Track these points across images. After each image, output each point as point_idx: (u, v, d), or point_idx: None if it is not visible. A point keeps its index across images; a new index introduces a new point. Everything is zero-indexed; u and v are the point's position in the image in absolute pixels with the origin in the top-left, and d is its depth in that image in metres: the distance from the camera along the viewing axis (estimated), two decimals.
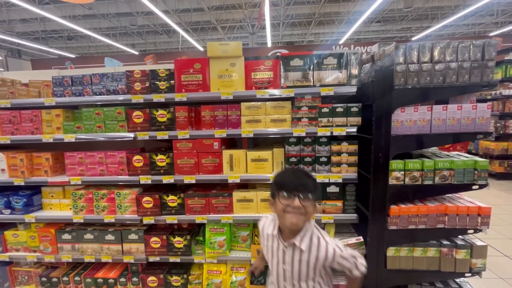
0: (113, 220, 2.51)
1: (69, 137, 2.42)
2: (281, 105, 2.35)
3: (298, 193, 1.31)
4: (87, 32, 13.60)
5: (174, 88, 2.39)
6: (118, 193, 2.50)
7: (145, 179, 2.44)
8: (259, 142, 2.90)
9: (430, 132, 2.13)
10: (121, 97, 2.40)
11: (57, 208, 2.69)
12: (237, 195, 2.44)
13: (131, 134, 2.40)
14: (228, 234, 2.49)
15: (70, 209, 2.57)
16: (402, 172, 2.15)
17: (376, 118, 2.11)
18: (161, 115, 2.39)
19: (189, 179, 2.41)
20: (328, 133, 2.27)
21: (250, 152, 2.40)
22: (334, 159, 2.32)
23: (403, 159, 2.19)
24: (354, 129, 2.25)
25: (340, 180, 2.31)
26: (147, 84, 2.39)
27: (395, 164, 2.14)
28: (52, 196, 2.70)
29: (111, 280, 2.58)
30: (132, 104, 2.54)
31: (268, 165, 2.38)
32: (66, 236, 2.58)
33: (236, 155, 2.39)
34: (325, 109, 2.28)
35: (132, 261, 2.55)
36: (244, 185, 2.65)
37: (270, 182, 2.33)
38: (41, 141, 2.45)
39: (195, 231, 2.63)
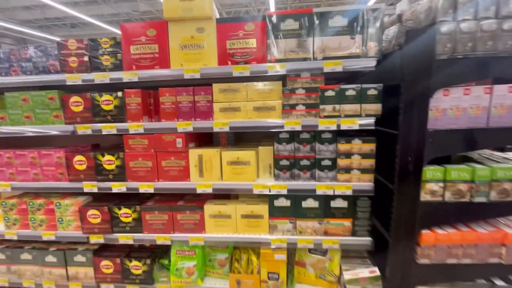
0: (53, 238, 1.89)
1: None
2: (268, 87, 1.64)
3: None
4: (89, 19, 12.89)
5: (122, 64, 1.69)
6: (58, 204, 1.88)
7: (90, 186, 1.79)
8: (243, 137, 2.20)
9: (488, 126, 1.39)
10: (51, 77, 1.72)
11: None
12: (210, 208, 1.78)
13: (69, 128, 1.74)
14: (200, 259, 1.84)
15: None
16: (441, 184, 1.44)
17: (406, 105, 1.38)
18: (106, 101, 1.72)
19: (145, 187, 1.76)
20: (334, 127, 1.55)
21: (227, 151, 1.72)
22: (342, 162, 1.61)
23: (440, 163, 1.47)
24: (371, 120, 1.52)
25: (349, 192, 1.61)
26: (86, 59, 1.71)
27: (431, 171, 1.43)
28: None
29: None
30: (69, 88, 1.87)
31: (250, 170, 1.69)
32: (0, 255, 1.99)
33: (207, 155, 1.71)
34: (330, 93, 1.56)
35: None
36: (224, 195, 1.98)
37: (253, 189, 1.66)
38: None
39: (159, 252, 1.99)
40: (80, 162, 1.80)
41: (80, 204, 1.88)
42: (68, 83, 1.72)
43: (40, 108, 1.78)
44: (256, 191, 1.68)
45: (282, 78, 1.66)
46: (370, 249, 1.69)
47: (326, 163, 1.66)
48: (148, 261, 1.87)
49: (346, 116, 1.57)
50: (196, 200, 1.87)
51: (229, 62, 1.63)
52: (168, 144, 1.72)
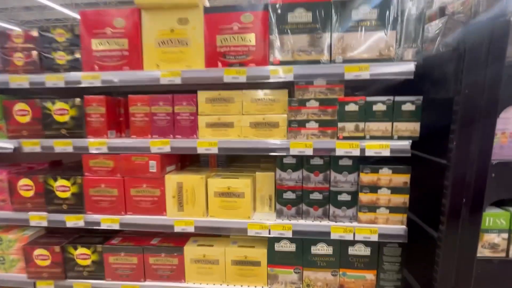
0: None
1: None
2: (270, 97, 1.24)
3: None
4: None
5: (81, 63, 1.29)
6: (0, 239, 1.45)
7: (38, 219, 1.38)
8: (239, 157, 1.79)
9: None
10: None
11: None
12: (191, 251, 1.36)
13: (11, 143, 1.33)
14: None
15: None
16: (505, 235, 1.03)
17: (461, 125, 0.98)
18: (61, 111, 1.31)
19: (108, 222, 1.34)
20: (356, 152, 1.15)
21: (214, 179, 1.31)
22: (365, 197, 1.21)
23: (502, 206, 1.07)
24: (406, 144, 1.12)
25: (374, 237, 1.21)
26: (35, 56, 1.31)
27: (492, 217, 1.02)
28: None
29: None
30: (13, 92, 1.46)
31: (244, 203, 1.28)
32: None
33: (189, 183, 1.30)
34: (352, 107, 1.16)
35: None
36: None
37: (248, 230, 1.25)
38: None
39: None
40: (26, 187, 1.39)
41: (26, 241, 1.45)
42: (11, 86, 1.32)
43: None
44: (251, 232, 1.28)
45: (289, 86, 1.27)
46: None
47: (344, 197, 1.25)
48: None
49: (373, 138, 1.17)
50: (174, 238, 1.45)
51: (220, 64, 1.23)
52: (139, 167, 1.32)
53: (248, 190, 1.29)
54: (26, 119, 1.35)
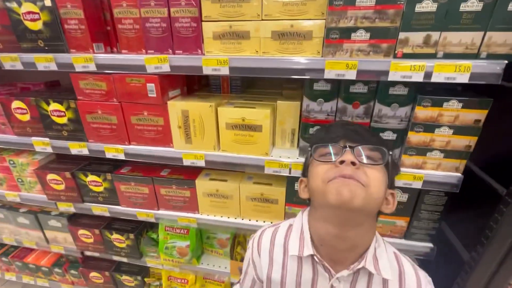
0: (18, 199, 1.50)
1: None
2: None
3: (352, 142, 0.63)
4: None
5: None
6: (12, 162, 1.41)
7: (41, 145, 1.28)
8: (258, 79, 1.48)
9: None
10: None
11: None
12: (204, 185, 1.24)
13: None
14: (194, 238, 1.43)
15: None
16: None
17: None
18: (30, 15, 1.02)
19: (113, 152, 1.21)
20: (419, 76, 0.81)
21: (225, 108, 1.06)
22: (416, 137, 0.93)
23: None
24: (499, 65, 0.75)
25: (417, 184, 0.98)
26: None
27: None
28: None
29: (44, 268, 1.79)
30: None
31: (261, 137, 1.06)
32: None
33: (196, 112, 1.07)
34: (427, 5, 0.75)
35: (63, 251, 1.67)
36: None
37: (265, 168, 1.07)
38: None
39: (148, 223, 1.59)
40: (20, 110, 1.23)
41: (37, 165, 1.40)
42: None
43: None
44: (269, 170, 1.09)
45: None
46: (428, 258, 1.15)
47: (388, 136, 0.98)
48: (132, 236, 1.48)
49: (448, 57, 0.80)
50: (185, 170, 1.33)
51: None
52: (136, 90, 1.08)
53: (267, 122, 1.04)
54: None
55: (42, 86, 1.47)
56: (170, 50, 1.00)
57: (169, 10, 0.94)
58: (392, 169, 0.67)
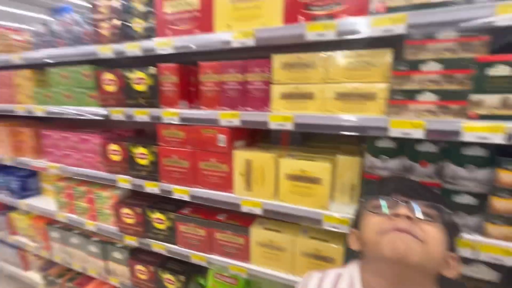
0: (94, 228, 1.71)
1: (40, 111, 1.63)
2: (366, 58, 0.93)
3: (408, 197, 0.61)
4: None
5: (155, 29, 1.23)
6: (98, 195, 1.65)
7: (124, 181, 1.49)
8: (317, 134, 1.54)
9: None
10: (84, 49, 1.40)
11: (52, 196, 2.07)
12: (258, 234, 1.25)
13: (102, 112, 1.42)
14: None
15: None
16: None
17: None
18: (139, 80, 1.31)
19: (179, 193, 1.34)
20: (498, 138, 0.76)
21: (287, 160, 1.12)
22: (501, 203, 0.82)
23: None
24: None
25: (509, 259, 0.82)
26: (118, 25, 1.31)
27: None
28: (47, 181, 2.09)
29: None
30: (103, 62, 1.54)
31: (320, 190, 1.06)
32: (55, 234, 1.96)
33: (258, 161, 1.15)
34: (502, 69, 0.75)
35: (118, 285, 1.76)
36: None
37: (323, 222, 1.04)
38: (15, 113, 1.74)
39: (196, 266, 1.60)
40: (115, 151, 1.49)
41: (116, 199, 1.61)
42: (100, 56, 1.37)
43: (77, 87, 1.52)
44: (327, 225, 1.06)
45: (394, 43, 0.92)
46: None
47: (465, 200, 0.89)
48: (183, 278, 1.50)
49: None
50: (241, 216, 1.36)
51: (301, 18, 0.97)
52: (208, 140, 1.23)
53: (327, 175, 1.05)
54: (113, 88, 1.40)
55: (132, 132, 1.78)
56: (242, 107, 1.15)
57: (244, 76, 1.12)
58: (452, 229, 0.62)
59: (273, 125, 1.06)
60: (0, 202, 2.23)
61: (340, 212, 1.06)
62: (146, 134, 1.80)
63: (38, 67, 1.73)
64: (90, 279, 2.01)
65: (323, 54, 0.98)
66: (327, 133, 0.99)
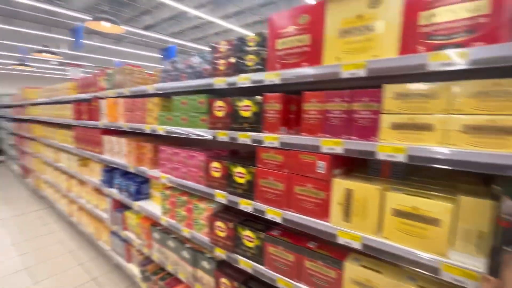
0: (189, 236, 1.91)
1: (161, 130, 2.01)
2: (506, 88, 0.82)
3: None
4: (238, 29, 14.89)
5: (266, 64, 1.39)
6: (196, 205, 1.87)
7: (220, 196, 1.64)
8: (421, 169, 1.40)
9: None
10: (203, 82, 1.69)
11: (158, 201, 2.45)
12: (352, 270, 1.17)
13: (210, 133, 1.65)
14: None
15: None
16: None
17: None
18: (245, 107, 1.48)
19: (272, 214, 1.39)
20: None
21: (395, 193, 1.04)
22: None
23: None
24: None
25: None
26: (232, 61, 1.54)
27: None
28: (156, 188, 2.49)
29: None
30: (217, 92, 1.80)
31: (437, 234, 0.93)
32: (156, 235, 2.27)
33: (361, 192, 1.10)
34: None
35: None
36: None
37: (441, 271, 0.90)
38: (143, 131, 2.19)
39: None
40: (215, 168, 1.68)
41: (211, 211, 1.77)
42: (215, 87, 1.62)
43: (193, 112, 1.80)
44: (447, 276, 0.91)
45: None
46: None
47: None
48: None
49: None
50: (332, 247, 1.31)
51: (421, 48, 0.94)
52: (306, 165, 1.26)
53: (447, 217, 0.92)
54: (222, 113, 1.61)
55: (227, 152, 1.98)
56: (345, 135, 1.15)
57: (351, 105, 1.12)
58: None
59: (382, 155, 1.02)
60: (120, 201, 2.75)
61: (464, 262, 0.90)
62: (239, 154, 1.97)
63: (164, 95, 2.16)
64: (179, 281, 2.21)
65: (447, 84, 0.91)
66: (440, 168, 0.88)
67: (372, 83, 1.09)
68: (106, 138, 2.79)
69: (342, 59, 1.13)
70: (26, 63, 12.14)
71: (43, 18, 15.34)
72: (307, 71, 1.21)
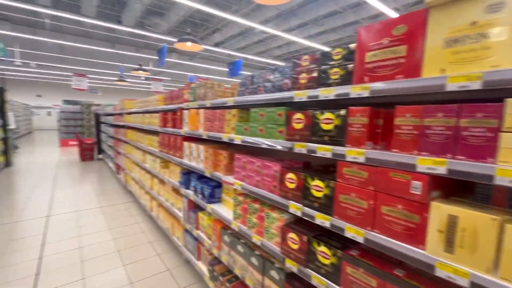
0: (259, 243, 1.97)
1: (237, 139, 2.15)
2: None
3: None
4: (320, 47, 14.76)
5: (351, 77, 1.36)
6: (268, 214, 1.92)
7: (295, 208, 1.65)
8: None
9: None
10: (282, 95, 1.75)
11: (228, 206, 2.61)
12: None
13: (287, 144, 1.69)
14: None
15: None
16: None
17: None
18: (327, 120, 1.47)
19: (353, 232, 1.32)
20: None
21: None
22: None
23: None
24: None
25: None
26: (315, 75, 1.56)
27: None
28: (227, 193, 2.65)
29: None
30: (295, 104, 1.83)
31: None
32: (226, 238, 2.40)
33: (469, 221, 0.96)
34: None
35: None
36: None
37: None
38: (221, 139, 2.38)
39: None
40: (290, 180, 1.70)
41: (284, 222, 1.79)
42: (295, 100, 1.66)
43: (270, 123, 1.87)
44: None
45: None
46: None
47: None
48: None
49: None
50: (422, 277, 1.16)
51: None
52: (396, 184, 1.17)
53: None
54: (300, 126, 1.63)
55: (300, 164, 1.98)
56: (450, 154, 1.02)
57: (458, 121, 1.00)
58: None
59: (504, 181, 0.87)
60: (195, 202, 3.01)
61: None
62: (312, 167, 1.95)
63: (242, 107, 2.31)
64: (245, 286, 2.27)
65: None
66: None
67: (483, 96, 0.95)
68: (186, 144, 3.12)
69: (448, 70, 1.02)
70: (124, 79, 14.65)
71: (136, 42, 18.26)
72: (403, 84, 1.14)
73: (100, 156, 10.75)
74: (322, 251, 1.51)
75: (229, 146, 2.99)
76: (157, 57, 11.28)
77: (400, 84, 1.15)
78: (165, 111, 3.84)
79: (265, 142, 1.88)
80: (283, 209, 1.80)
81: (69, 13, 8.16)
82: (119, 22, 10.26)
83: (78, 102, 14.71)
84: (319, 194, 1.52)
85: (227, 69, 13.26)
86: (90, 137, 10.95)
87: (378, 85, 1.23)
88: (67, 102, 15.01)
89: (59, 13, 7.93)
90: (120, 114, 6.84)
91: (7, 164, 8.54)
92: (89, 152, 10.25)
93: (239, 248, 2.23)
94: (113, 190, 6.43)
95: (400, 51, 1.17)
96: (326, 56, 1.51)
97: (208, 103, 2.67)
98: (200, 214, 2.93)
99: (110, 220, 4.61)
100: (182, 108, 3.25)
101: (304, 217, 1.61)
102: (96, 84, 25.46)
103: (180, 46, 6.44)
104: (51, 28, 14.97)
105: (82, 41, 16.40)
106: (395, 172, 1.18)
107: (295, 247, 1.66)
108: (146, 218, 4.77)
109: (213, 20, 14.11)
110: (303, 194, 1.62)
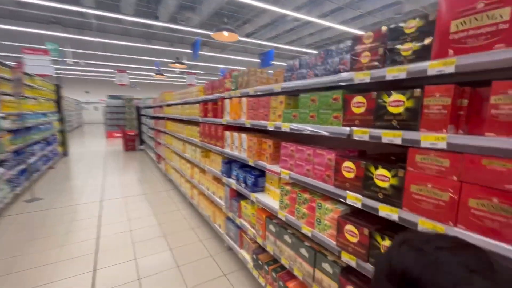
0: (309, 234, 1.89)
1: (285, 127, 2.07)
2: None
3: None
4: (354, 31, 13.88)
5: (430, 51, 1.19)
6: (320, 204, 1.82)
7: (353, 199, 1.53)
8: None
9: None
10: (338, 77, 1.61)
11: (272, 195, 2.56)
12: None
13: (345, 130, 1.57)
14: None
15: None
16: None
17: None
18: (396, 102, 1.31)
19: (428, 227, 1.17)
20: None
21: None
22: None
23: None
24: None
25: None
26: (381, 53, 1.40)
27: None
28: (271, 182, 2.60)
29: None
30: (355, 87, 1.68)
31: None
32: (271, 228, 2.37)
33: None
34: None
35: None
36: None
37: None
38: (266, 128, 2.32)
39: None
40: (348, 169, 1.57)
41: (339, 213, 1.68)
42: (355, 81, 1.51)
43: (323, 109, 1.75)
44: None
45: None
46: None
47: None
48: None
49: None
50: None
51: None
52: (494, 175, 0.99)
53: None
54: (361, 110, 1.49)
55: (356, 153, 1.84)
56: None
57: None
58: None
59: None
60: (237, 191, 3.01)
61: None
62: (367, 155, 1.79)
63: (290, 93, 2.21)
64: (293, 277, 2.23)
65: None
66: None
67: None
68: (228, 133, 3.11)
69: None
70: (162, 73, 15.30)
71: (170, 37, 18.83)
72: (506, 55, 0.94)
73: (142, 147, 11.44)
74: (386, 245, 1.38)
75: (272, 134, 2.91)
76: (191, 51, 11.53)
77: (502, 55, 0.96)
78: (205, 102, 3.88)
79: (319, 129, 1.76)
80: (337, 199, 1.69)
81: (112, 12, 8.62)
82: (156, 17, 10.63)
83: (121, 97, 15.73)
84: (385, 184, 1.38)
85: (259, 60, 13.11)
86: (132, 129, 11.68)
87: (469, 57, 1.04)
88: (111, 97, 16.14)
89: (104, 13, 8.41)
90: (160, 106, 7.13)
91: (65, 153, 9.48)
92: (132, 143, 10.96)
93: (287, 238, 2.18)
94: (155, 178, 6.79)
95: (500, 14, 0.97)
96: (396, 30, 1.34)
97: (251, 90, 2.61)
98: (243, 203, 2.92)
99: (155, 206, 4.86)
100: (223, 98, 3.24)
101: (364, 209, 1.48)
102: (134, 79, 27.00)
103: (217, 36, 6.48)
104: (96, 28, 16.08)
105: (122, 38, 17.39)
106: (492, 159, 1.00)
107: (354, 240, 1.55)
108: (186, 205, 4.95)
109: (244, 10, 13.97)
110: (364, 184, 1.49)
